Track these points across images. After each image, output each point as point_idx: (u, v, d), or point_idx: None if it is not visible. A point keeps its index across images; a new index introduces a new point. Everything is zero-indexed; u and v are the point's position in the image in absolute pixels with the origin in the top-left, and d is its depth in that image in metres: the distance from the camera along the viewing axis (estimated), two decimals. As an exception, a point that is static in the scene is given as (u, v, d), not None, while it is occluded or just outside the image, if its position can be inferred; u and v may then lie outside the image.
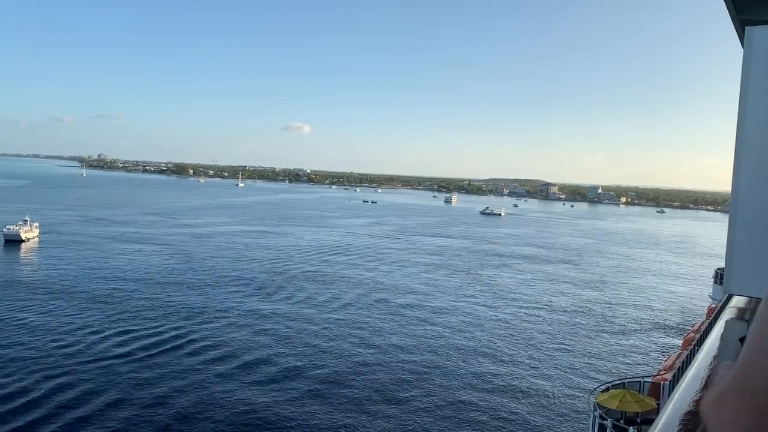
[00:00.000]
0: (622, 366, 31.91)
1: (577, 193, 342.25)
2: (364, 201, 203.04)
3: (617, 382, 18.04)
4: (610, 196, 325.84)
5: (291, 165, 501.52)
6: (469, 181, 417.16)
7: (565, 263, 71.32)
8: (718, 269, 32.76)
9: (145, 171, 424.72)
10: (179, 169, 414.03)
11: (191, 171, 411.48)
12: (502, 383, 28.54)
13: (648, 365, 31.58)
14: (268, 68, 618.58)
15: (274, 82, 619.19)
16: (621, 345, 36.71)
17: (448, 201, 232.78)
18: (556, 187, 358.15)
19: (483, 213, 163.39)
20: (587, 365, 32.12)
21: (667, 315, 45.73)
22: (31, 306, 37.15)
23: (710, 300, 33.87)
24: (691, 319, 42.25)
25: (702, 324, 17.52)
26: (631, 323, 42.32)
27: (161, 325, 34.34)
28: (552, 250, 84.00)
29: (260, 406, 24.23)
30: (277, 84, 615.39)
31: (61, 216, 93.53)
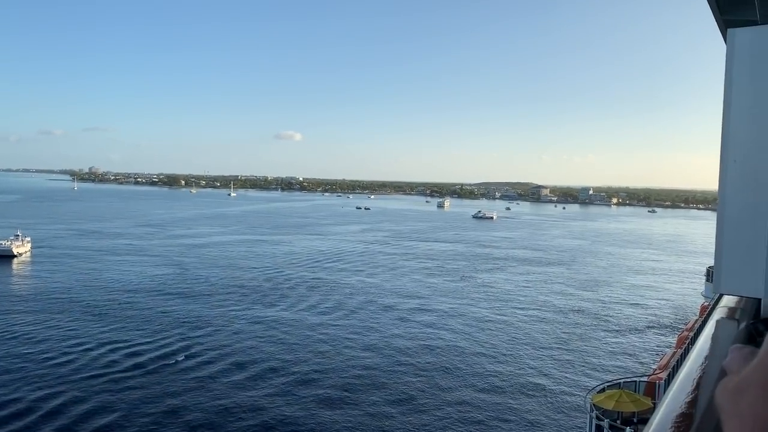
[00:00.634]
0: (617, 365, 31.99)
1: (568, 195, 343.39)
2: (357, 207, 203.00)
3: (613, 382, 18.10)
4: (602, 197, 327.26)
5: (283, 173, 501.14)
6: (462, 185, 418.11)
7: (559, 265, 71.50)
8: (709, 267, 32.99)
9: (136, 183, 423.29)
10: (171, 181, 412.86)
11: (183, 182, 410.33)
12: (499, 384, 28.55)
13: (643, 364, 31.67)
14: (259, 78, 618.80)
15: (265, 92, 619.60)
16: (616, 344, 36.81)
17: (440, 206, 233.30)
18: (548, 190, 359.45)
19: (475, 217, 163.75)
20: (583, 365, 32.18)
21: (660, 313, 45.91)
22: (24, 321, 36.89)
23: (703, 298, 34.07)
24: (684, 317, 42.44)
25: (695, 322, 17.63)
26: (626, 322, 42.46)
27: (159, 337, 34.18)
28: (545, 252, 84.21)
29: (265, 411, 24.15)
30: (269, 93, 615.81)
31: (53, 230, 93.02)
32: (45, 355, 30.29)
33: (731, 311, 2.40)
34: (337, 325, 38.80)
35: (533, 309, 45.67)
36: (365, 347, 34.00)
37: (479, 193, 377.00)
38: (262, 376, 28.63)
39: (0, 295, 44.40)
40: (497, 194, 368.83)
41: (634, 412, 15.11)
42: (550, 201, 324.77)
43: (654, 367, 21.35)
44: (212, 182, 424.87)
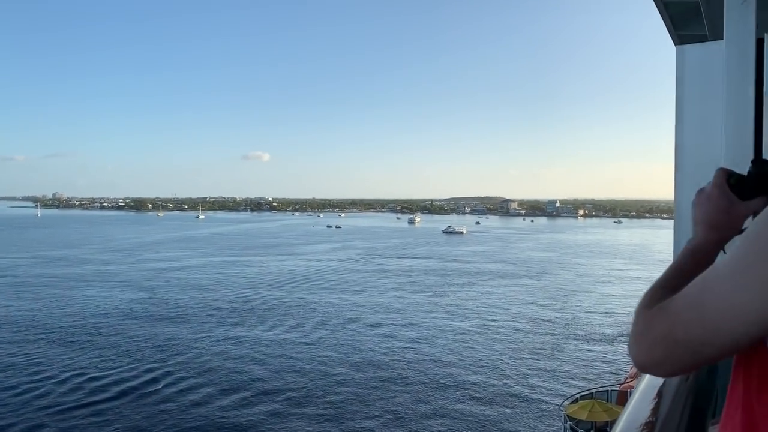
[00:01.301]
0: (590, 376, 32.30)
1: (536, 208, 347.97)
2: (328, 226, 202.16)
3: (585, 392, 18.28)
4: (568, 209, 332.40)
5: (252, 194, 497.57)
6: (432, 201, 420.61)
7: (529, 277, 72.23)
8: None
9: (102, 208, 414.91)
10: (137, 204, 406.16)
11: (150, 205, 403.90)
12: (477, 395, 28.54)
13: (615, 373, 32.05)
14: (224, 99, 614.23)
15: (231, 112, 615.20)
16: (588, 354, 37.20)
17: (411, 222, 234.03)
18: (516, 203, 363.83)
19: (445, 232, 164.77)
20: (557, 375, 32.42)
21: (630, 322, 46.56)
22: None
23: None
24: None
25: (664, 330, 17.91)
26: (597, 332, 42.99)
27: (130, 364, 33.26)
28: (515, 265, 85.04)
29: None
30: (235, 113, 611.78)
31: (16, 259, 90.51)
32: (10, 386, 29.29)
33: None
34: (313, 343, 38.43)
35: (506, 321, 45.95)
36: (343, 364, 33.71)
37: (449, 209, 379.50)
38: (242, 398, 28.11)
39: (-41, 328, 42.88)
40: (467, 209, 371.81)
41: (607, 422, 15.27)
42: (519, 214, 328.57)
43: (625, 375, 21.66)
44: (180, 205, 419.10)
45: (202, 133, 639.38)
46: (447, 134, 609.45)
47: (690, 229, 1.22)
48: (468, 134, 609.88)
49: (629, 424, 1.58)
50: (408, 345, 38.50)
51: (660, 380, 1.92)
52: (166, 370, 32.58)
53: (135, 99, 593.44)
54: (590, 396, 17.67)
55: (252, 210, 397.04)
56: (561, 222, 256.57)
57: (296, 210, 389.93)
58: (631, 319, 0.91)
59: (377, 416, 26.51)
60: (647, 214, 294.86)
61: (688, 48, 2.53)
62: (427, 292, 60.21)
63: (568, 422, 15.63)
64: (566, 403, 17.11)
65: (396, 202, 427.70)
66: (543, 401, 28.22)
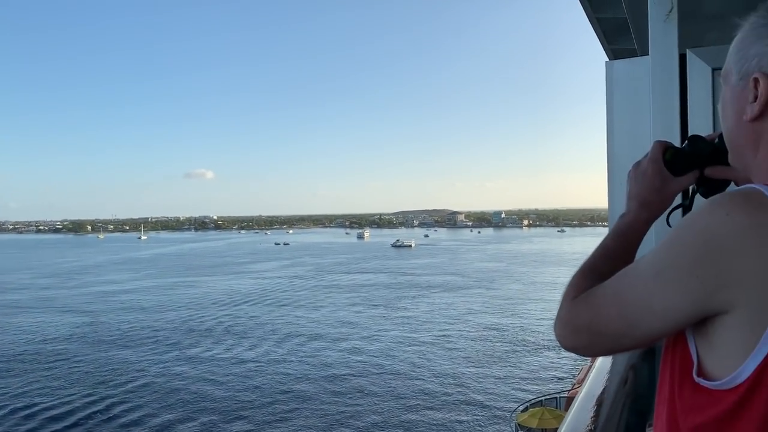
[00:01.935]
0: (539, 383, 32.85)
1: (482, 219, 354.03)
2: (276, 243, 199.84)
3: (535, 400, 18.57)
4: (514, 219, 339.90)
5: (196, 213, 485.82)
6: (380, 215, 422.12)
7: (478, 287, 73.19)
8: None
9: (38, 231, 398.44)
10: (76, 227, 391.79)
11: (89, 227, 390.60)
12: (426, 408, 28.54)
13: (563, 380, 32.71)
14: (164, 115, 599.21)
15: (171, 130, 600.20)
16: (536, 362, 37.87)
17: (360, 237, 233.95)
18: (463, 215, 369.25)
19: (394, 246, 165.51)
20: (508, 384, 32.83)
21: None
22: None
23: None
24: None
25: (607, 335, 18.42)
26: (544, 340, 43.79)
27: (72, 393, 31.75)
28: (464, 276, 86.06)
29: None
30: (176, 131, 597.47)
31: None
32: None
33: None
34: (265, 361, 37.75)
35: (457, 331, 46.34)
36: (297, 380, 33.25)
37: (398, 222, 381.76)
38: (194, 421, 27.28)
39: None
40: (415, 222, 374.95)
41: (556, 428, 15.54)
42: (466, 226, 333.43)
43: (573, 381, 22.15)
44: (121, 226, 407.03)
45: (141, 150, 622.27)
46: (393, 149, 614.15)
47: None
48: (414, 148, 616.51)
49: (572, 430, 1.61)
50: (361, 358, 38.33)
51: (600, 388, 1.96)
52: (112, 396, 31.25)
53: (69, 114, 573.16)
54: (540, 403, 17.97)
55: (196, 229, 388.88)
56: (507, 232, 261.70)
57: (243, 228, 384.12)
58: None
59: (332, 429, 26.25)
60: (589, 223, 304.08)
61: (617, 63, 2.63)
62: (379, 306, 60.17)
63: (520, 431, 15.85)
64: (517, 411, 17.34)
65: (345, 217, 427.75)
66: (495, 409, 28.50)
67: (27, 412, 29.27)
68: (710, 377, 0.81)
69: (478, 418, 28.07)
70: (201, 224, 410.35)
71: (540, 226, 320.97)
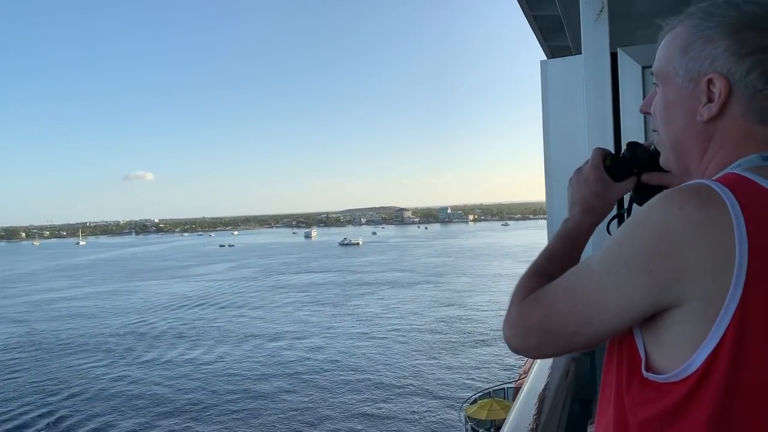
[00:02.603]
0: (487, 375, 33.41)
1: (429, 216, 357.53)
2: (220, 245, 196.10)
3: (483, 392, 18.86)
4: (459, 215, 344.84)
5: (137, 216, 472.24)
6: (327, 213, 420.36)
7: (427, 283, 73.84)
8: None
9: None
10: (9, 234, 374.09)
11: (24, 234, 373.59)
12: (376, 403, 28.62)
13: (509, 370, 33.38)
14: (99, 114, 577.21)
15: (107, 130, 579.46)
16: (484, 355, 38.50)
17: (308, 236, 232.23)
18: (410, 212, 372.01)
19: (342, 244, 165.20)
20: (457, 377, 33.24)
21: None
22: None
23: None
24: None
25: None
26: (491, 332, 44.58)
27: (9, 408, 30.27)
28: (413, 273, 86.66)
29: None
30: (112, 132, 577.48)
31: None
32: None
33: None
34: (213, 363, 37.05)
35: (406, 326, 46.63)
36: (247, 379, 32.79)
37: (346, 221, 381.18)
38: (144, 426, 26.48)
39: None
40: (363, 220, 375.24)
41: (504, 419, 15.84)
42: (413, 222, 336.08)
43: (519, 372, 22.63)
44: (58, 232, 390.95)
45: (77, 153, 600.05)
46: (339, 147, 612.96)
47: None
48: (360, 146, 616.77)
49: (516, 425, 1.62)
50: (313, 356, 38.13)
51: (542, 382, 1.99)
52: (53, 406, 29.93)
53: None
54: (488, 395, 18.27)
55: (137, 233, 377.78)
56: (453, 228, 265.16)
57: (186, 230, 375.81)
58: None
59: (280, 425, 26.01)
60: (531, 216, 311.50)
61: (551, 62, 2.68)
62: (327, 304, 59.91)
63: (469, 423, 16.09)
64: (466, 404, 17.59)
65: (291, 216, 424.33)
66: (446, 400, 28.83)
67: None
68: (658, 371, 0.82)
69: (429, 410, 28.34)
70: (142, 228, 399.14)
71: (485, 220, 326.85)
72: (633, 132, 2.38)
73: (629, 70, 2.49)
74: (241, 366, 36.67)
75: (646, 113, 1.08)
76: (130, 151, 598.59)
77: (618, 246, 0.85)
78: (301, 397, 30.50)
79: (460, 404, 19.68)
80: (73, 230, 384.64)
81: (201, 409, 29.56)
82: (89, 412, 29.70)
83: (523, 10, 5.38)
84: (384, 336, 44.21)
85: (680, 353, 0.79)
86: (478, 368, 35.23)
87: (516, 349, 1.02)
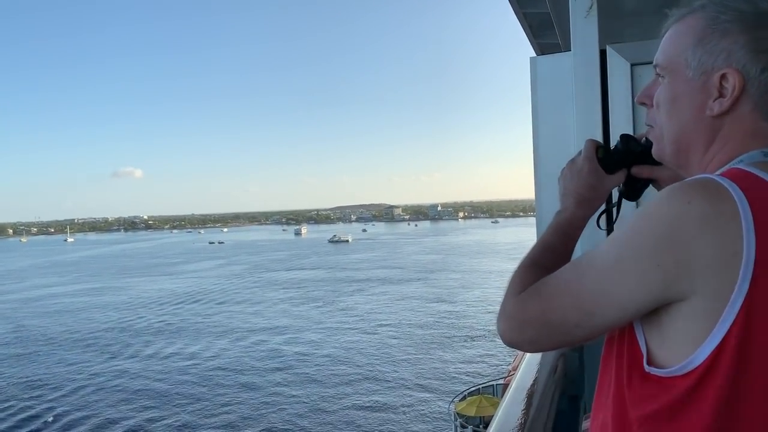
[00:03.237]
0: (476, 372, 33.56)
1: (419, 213, 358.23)
2: (210, 242, 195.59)
3: (472, 388, 18.93)
4: (449, 212, 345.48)
5: (126, 213, 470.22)
6: (317, 211, 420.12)
7: (417, 280, 73.97)
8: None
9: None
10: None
11: (11, 231, 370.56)
12: (367, 400, 28.68)
13: (497, 366, 33.54)
14: (86, 110, 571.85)
15: (95, 126, 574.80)
16: (474, 350, 38.68)
17: (298, 233, 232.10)
18: (400, 209, 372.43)
19: (331, 241, 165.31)
20: (446, 374, 33.36)
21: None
22: None
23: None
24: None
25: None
26: (481, 329, 44.76)
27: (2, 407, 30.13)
28: (403, 270, 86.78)
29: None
30: (100, 127, 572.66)
31: None
32: None
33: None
34: (204, 362, 36.87)
35: (397, 323, 46.72)
36: (240, 384, 32.52)
37: (336, 218, 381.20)
38: (135, 425, 26.32)
39: None
40: (353, 217, 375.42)
41: (493, 415, 15.91)
42: (404, 219, 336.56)
43: (508, 368, 22.74)
44: (45, 228, 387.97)
45: (63, 149, 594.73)
46: (330, 144, 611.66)
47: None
48: (351, 143, 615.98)
49: (501, 427, 1.63)
50: (299, 358, 38.01)
51: (530, 378, 2.00)
52: (42, 407, 29.76)
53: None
54: (477, 392, 18.34)
55: (126, 230, 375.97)
56: (443, 225, 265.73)
57: (175, 227, 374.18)
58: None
59: (274, 418, 26.02)
60: (521, 213, 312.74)
61: (540, 58, 2.68)
62: (317, 301, 59.88)
63: (458, 419, 16.15)
64: (455, 400, 17.65)
65: (281, 213, 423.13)
66: (435, 400, 28.93)
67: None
68: (661, 366, 0.82)
69: (419, 403, 28.44)
70: (131, 225, 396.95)
71: (475, 217, 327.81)
72: (621, 129, 2.39)
73: (618, 67, 2.50)
74: (232, 361, 36.65)
75: (642, 104, 1.06)
76: (119, 147, 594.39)
77: (625, 239, 0.85)
78: (293, 390, 30.53)
79: (449, 400, 19.74)
80: (60, 227, 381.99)
81: (192, 402, 29.51)
82: (78, 406, 29.57)
83: (513, 7, 5.39)
84: (374, 331, 44.29)
85: (684, 347, 0.79)
86: (468, 364, 35.37)
87: (511, 342, 1.00)
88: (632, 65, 2.47)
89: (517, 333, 0.97)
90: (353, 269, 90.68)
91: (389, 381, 32.45)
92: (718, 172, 0.86)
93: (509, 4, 5.44)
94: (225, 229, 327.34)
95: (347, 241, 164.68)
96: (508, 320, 0.99)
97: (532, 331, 0.95)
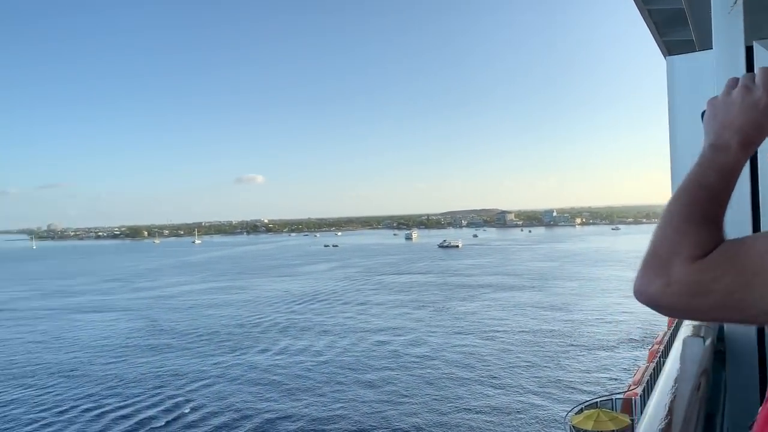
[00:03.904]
0: (593, 384, 32.11)
1: (533, 218, 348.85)
2: (325, 245, 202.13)
3: (590, 401, 18.13)
4: (565, 218, 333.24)
5: (248, 217, 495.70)
6: (428, 215, 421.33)
7: (531, 288, 72.10)
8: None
9: (98, 237, 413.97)
10: (133, 232, 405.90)
11: (146, 233, 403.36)
12: (481, 410, 28.28)
13: (618, 380, 31.89)
14: (212, 121, 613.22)
15: (221, 136, 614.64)
16: (591, 362, 37.01)
17: (408, 238, 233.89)
18: (513, 214, 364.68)
19: (441, 246, 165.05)
20: (562, 386, 32.17)
21: (631, 329, 46.47)
22: (-16, 390, 35.29)
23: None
24: (653, 331, 43.03)
25: (664, 335, 17.92)
26: (599, 340, 42.82)
27: (138, 396, 32.62)
28: (516, 277, 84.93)
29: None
30: (225, 137, 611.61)
31: (13, 293, 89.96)
32: (22, 421, 28.95)
33: (696, 329, 2.45)
34: (323, 363, 37.94)
35: (510, 332, 45.77)
36: (355, 383, 33.35)
37: (446, 223, 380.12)
38: (260, 423, 27.70)
39: (-42, 364, 42.50)
40: (464, 222, 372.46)
41: (613, 431, 15.14)
42: (516, 225, 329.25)
43: (629, 382, 21.57)
44: (176, 231, 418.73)
45: (193, 156, 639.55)
46: (439, 148, 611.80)
47: None
48: (461, 147, 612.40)
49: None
50: (414, 360, 38.26)
51: (670, 396, 1.89)
52: (174, 399, 32.00)
53: (122, 122, 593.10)
54: (595, 405, 17.54)
55: (248, 233, 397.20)
56: (559, 231, 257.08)
57: (293, 231, 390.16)
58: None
59: (390, 413, 26.31)
60: (644, 220, 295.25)
61: (677, 58, 2.54)
62: (430, 306, 60.01)
63: (575, 433, 15.53)
64: (571, 413, 16.99)
65: (392, 218, 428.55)
66: (549, 411, 28.04)
67: (97, 412, 30.49)
68: None
69: (533, 418, 27.67)
70: (252, 228, 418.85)
71: (593, 224, 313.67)
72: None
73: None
74: (345, 369, 37.35)
75: None
76: (242, 154, 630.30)
77: None
78: (399, 398, 30.77)
79: (564, 409, 19.04)
80: (189, 229, 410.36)
81: (316, 396, 30.59)
82: (201, 402, 31.61)
83: (636, 5, 5.16)
84: (488, 337, 43.67)
85: None
86: (585, 374, 33.94)
87: (670, 307, 0.89)
88: (784, 62, 2.28)
89: (686, 298, 0.85)
90: (465, 275, 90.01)
91: (503, 386, 31.85)
92: None
93: (633, 2, 5.22)
94: (339, 233, 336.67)
95: (458, 246, 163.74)
96: (675, 283, 0.86)
97: (706, 299, 0.82)
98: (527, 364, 37.14)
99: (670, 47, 6.13)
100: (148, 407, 30.65)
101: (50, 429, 27.98)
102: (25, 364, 42.02)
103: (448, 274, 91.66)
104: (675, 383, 2.00)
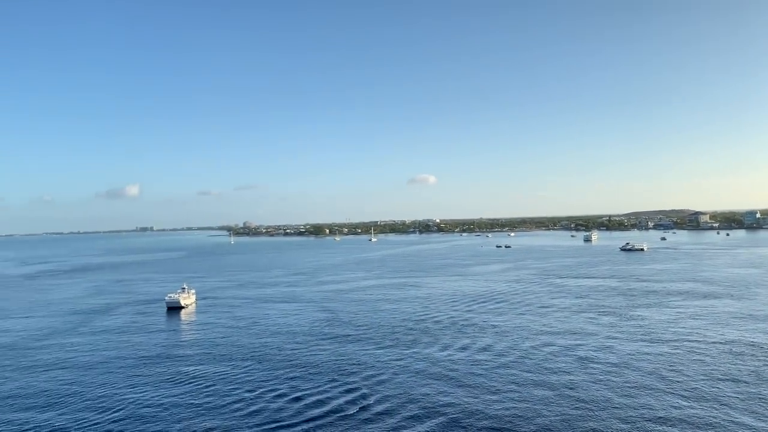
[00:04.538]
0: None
1: (732, 220, 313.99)
2: (497, 246, 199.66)
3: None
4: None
5: (420, 216, 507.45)
6: (609, 216, 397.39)
7: (728, 296, 64.51)
8: None
9: (286, 234, 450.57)
10: (316, 230, 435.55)
11: (327, 230, 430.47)
12: (669, 423, 25.72)
13: None
14: (385, 127, 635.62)
15: (394, 140, 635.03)
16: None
17: (587, 239, 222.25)
18: (707, 216, 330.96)
19: (623, 249, 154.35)
20: (765, 404, 28.11)
21: None
22: (196, 367, 39.69)
23: None
24: None
25: None
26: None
27: (321, 382, 34.78)
28: (710, 284, 76.57)
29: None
30: (398, 140, 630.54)
31: (214, 282, 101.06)
32: (224, 397, 32.10)
33: None
34: (505, 366, 37.38)
35: (703, 343, 41.19)
36: (539, 386, 32.29)
37: (630, 224, 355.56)
38: (442, 422, 27.89)
39: (172, 344, 48.43)
40: (650, 224, 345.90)
41: None
42: (711, 228, 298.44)
43: None
44: (354, 229, 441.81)
45: (370, 159, 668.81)
46: (621, 147, 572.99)
47: None
48: (645, 145, 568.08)
49: None
50: (603, 368, 35.86)
51: None
52: (358, 389, 33.32)
53: (304, 132, 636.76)
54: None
55: (420, 232, 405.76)
56: (763, 234, 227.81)
57: (464, 230, 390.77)
58: None
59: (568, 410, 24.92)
60: None
61: None
62: (613, 313, 56.16)
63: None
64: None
65: (570, 219, 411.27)
66: (754, 430, 24.64)
67: (283, 394, 32.81)
68: None
69: (731, 428, 24.49)
70: (425, 227, 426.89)
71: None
72: None
73: None
74: (527, 373, 36.13)
75: None
76: (415, 155, 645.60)
77: None
78: (584, 405, 29.04)
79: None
80: (366, 228, 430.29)
81: (498, 393, 30.07)
82: (382, 396, 32.44)
83: None
84: (676, 353, 39.67)
85: None
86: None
87: None
88: None
89: None
90: (651, 280, 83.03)
91: (698, 398, 28.64)
92: None
93: None
94: (512, 234, 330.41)
95: (642, 249, 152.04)
96: None
97: None
98: (725, 377, 33.19)
99: None
100: (335, 396, 32.12)
101: (247, 405, 30.58)
102: (226, 345, 46.71)
103: (632, 279, 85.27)
104: None
